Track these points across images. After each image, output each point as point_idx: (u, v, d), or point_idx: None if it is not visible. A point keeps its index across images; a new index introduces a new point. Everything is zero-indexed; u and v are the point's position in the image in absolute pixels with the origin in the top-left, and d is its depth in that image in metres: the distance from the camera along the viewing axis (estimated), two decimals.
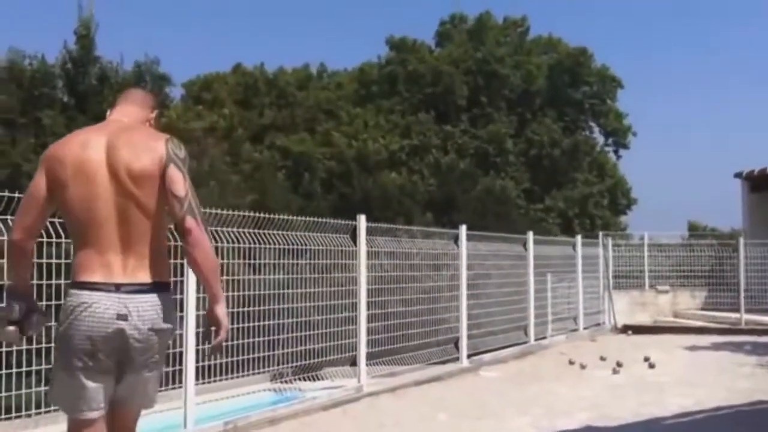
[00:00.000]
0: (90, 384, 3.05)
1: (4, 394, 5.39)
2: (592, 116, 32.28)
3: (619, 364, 10.33)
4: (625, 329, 15.78)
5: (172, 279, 3.29)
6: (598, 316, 15.98)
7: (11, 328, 3.11)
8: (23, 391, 5.49)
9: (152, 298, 3.03)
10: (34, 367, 5.55)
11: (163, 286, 3.09)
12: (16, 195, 5.23)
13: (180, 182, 3.02)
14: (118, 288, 2.98)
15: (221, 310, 3.12)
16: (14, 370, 5.44)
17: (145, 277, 3.03)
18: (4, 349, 5.40)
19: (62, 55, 15.03)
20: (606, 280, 16.32)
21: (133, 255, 3.02)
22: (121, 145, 3.04)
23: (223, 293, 3.15)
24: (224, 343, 3.18)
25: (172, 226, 3.15)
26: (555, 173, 29.43)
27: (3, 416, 5.46)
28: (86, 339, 2.99)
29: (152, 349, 3.06)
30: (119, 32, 38.54)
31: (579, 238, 15.37)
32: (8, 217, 5.20)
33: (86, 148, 3.06)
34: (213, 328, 3.11)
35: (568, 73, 30.88)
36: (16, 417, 5.55)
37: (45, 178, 3.08)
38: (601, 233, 17.75)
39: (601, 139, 32.66)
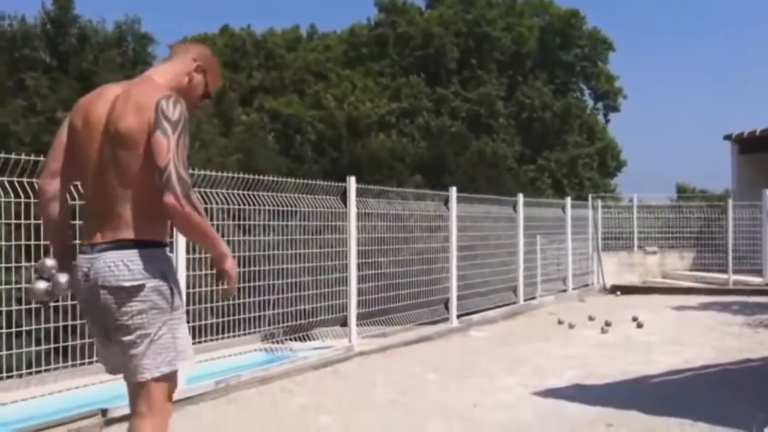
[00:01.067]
0: (98, 345, 3.07)
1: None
2: (583, 79, 32.20)
3: (607, 324, 10.42)
4: (614, 290, 15.90)
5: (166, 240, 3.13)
6: (587, 276, 16.09)
7: (41, 285, 2.99)
8: (13, 351, 5.50)
9: (115, 255, 2.85)
10: (24, 328, 5.55)
11: (139, 243, 2.88)
12: (2, 156, 5.21)
13: (162, 151, 2.78)
14: (92, 248, 2.89)
15: (225, 266, 2.95)
16: (4, 330, 5.43)
17: (118, 236, 2.86)
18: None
19: (41, 15, 14.81)
20: (595, 242, 16.40)
21: (110, 219, 2.88)
22: (119, 102, 2.89)
23: (224, 248, 2.96)
24: (226, 297, 3.05)
25: None
26: (546, 136, 29.42)
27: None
28: (79, 299, 3.02)
29: (115, 311, 2.85)
30: None
31: (569, 200, 15.41)
32: (4, 178, 5.20)
33: (97, 102, 2.96)
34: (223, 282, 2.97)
35: (560, 36, 30.75)
36: (8, 377, 5.56)
37: (67, 124, 3.03)
38: (590, 195, 17.81)
39: (590, 102, 32.63)
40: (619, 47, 32.61)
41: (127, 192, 2.86)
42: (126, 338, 2.88)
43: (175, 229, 4.92)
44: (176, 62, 3.11)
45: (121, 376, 2.99)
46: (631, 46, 52.71)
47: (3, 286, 5.51)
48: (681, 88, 55.03)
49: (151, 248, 2.91)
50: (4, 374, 5.53)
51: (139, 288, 2.85)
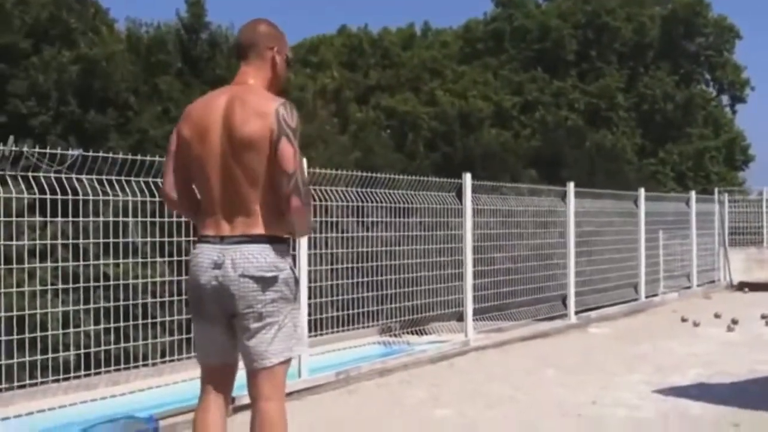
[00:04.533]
0: (203, 331, 3.23)
1: (132, 343, 5.75)
2: (708, 69, 30.95)
3: (734, 321, 10.05)
4: (742, 286, 15.27)
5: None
6: (712, 273, 15.53)
7: None
8: (149, 341, 5.85)
9: (253, 248, 3.05)
10: (158, 319, 5.90)
11: (271, 239, 3.10)
12: (140, 158, 5.56)
13: (290, 158, 3.01)
14: (222, 239, 3.08)
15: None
16: (140, 321, 5.80)
17: (251, 230, 3.07)
18: (130, 302, 5.77)
19: (175, 22, 15.53)
20: (721, 237, 15.80)
21: (240, 215, 3.07)
22: (235, 108, 3.07)
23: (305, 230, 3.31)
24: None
25: None
26: (668, 128, 28.49)
27: (131, 365, 5.83)
28: (193, 287, 3.17)
29: (252, 299, 3.05)
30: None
31: (693, 194, 14.93)
32: (139, 179, 5.56)
33: (208, 109, 3.15)
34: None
35: (683, 24, 29.63)
36: (144, 365, 5.92)
37: (176, 135, 3.23)
38: (716, 189, 17.17)
39: (715, 93, 31.34)
40: (747, 35, 31.17)
41: (254, 191, 3.07)
42: (255, 325, 3.09)
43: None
44: (257, 59, 3.25)
45: (218, 363, 3.21)
46: (760, 33, 50.18)
47: (140, 280, 5.88)
48: None
49: (280, 243, 3.15)
50: (140, 362, 5.91)
51: (275, 279, 3.08)
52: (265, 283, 3.06)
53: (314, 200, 6.74)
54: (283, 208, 3.07)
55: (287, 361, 3.20)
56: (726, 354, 8.10)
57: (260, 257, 3.06)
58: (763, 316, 10.45)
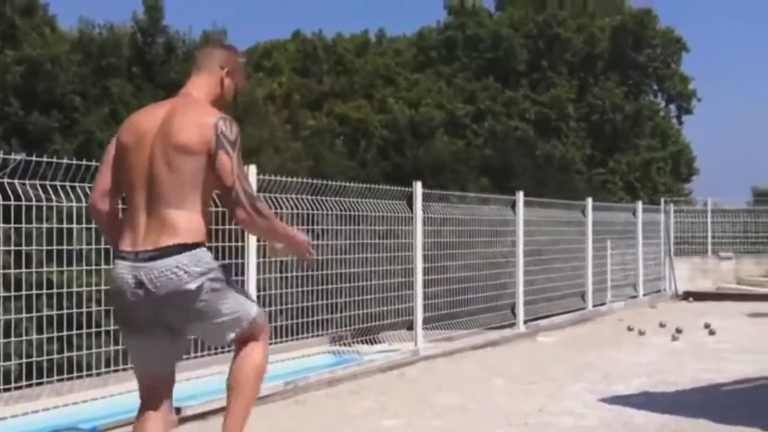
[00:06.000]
0: (135, 344, 3.26)
1: (76, 353, 5.64)
2: (656, 80, 31.54)
3: (678, 331, 10.25)
4: (686, 296, 15.60)
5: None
6: (658, 282, 15.83)
7: None
8: (93, 350, 5.75)
9: (168, 263, 3.04)
10: (103, 328, 5.79)
11: (184, 247, 3.08)
12: (86, 163, 5.46)
13: (228, 172, 3.03)
14: (136, 255, 3.08)
15: (297, 239, 3.32)
16: (85, 330, 5.69)
17: (166, 241, 3.05)
18: (74, 310, 5.66)
19: (130, 24, 15.25)
20: (667, 247, 16.12)
21: (157, 218, 3.07)
22: (175, 116, 3.11)
23: (291, 230, 3.34)
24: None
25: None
26: (617, 138, 28.95)
27: (75, 374, 5.71)
28: (119, 303, 3.19)
29: (184, 309, 3.10)
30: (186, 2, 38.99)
31: (640, 204, 15.22)
32: (85, 184, 5.44)
33: (147, 118, 3.18)
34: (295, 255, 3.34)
35: (632, 35, 30.16)
36: (87, 375, 5.81)
37: (115, 143, 3.23)
38: (663, 199, 17.51)
39: (662, 104, 31.95)
40: (694, 47, 31.84)
41: (178, 195, 3.08)
42: (198, 324, 3.19)
43: (246, 234, 5.12)
44: (206, 74, 3.32)
45: (154, 374, 3.25)
46: (706, 45, 51.37)
47: (84, 288, 5.77)
48: (759, 87, 53.40)
49: (194, 247, 3.13)
50: (85, 372, 5.79)
51: (200, 286, 3.09)
52: (192, 293, 3.08)
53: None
54: (238, 223, 3.15)
55: (252, 323, 3.27)
56: (670, 363, 8.25)
57: (178, 271, 3.05)
58: (706, 326, 10.68)
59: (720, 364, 8.12)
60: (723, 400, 6.48)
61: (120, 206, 3.32)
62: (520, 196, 10.67)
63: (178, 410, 5.33)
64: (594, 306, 12.59)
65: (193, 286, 3.07)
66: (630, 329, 10.79)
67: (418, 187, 8.53)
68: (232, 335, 3.24)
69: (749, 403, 6.31)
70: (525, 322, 10.48)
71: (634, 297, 14.39)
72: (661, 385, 7.02)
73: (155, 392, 3.25)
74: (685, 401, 6.35)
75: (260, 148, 13.50)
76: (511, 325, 10.28)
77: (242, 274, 6.24)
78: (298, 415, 5.94)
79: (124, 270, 3.10)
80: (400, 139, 23.03)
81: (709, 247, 17.56)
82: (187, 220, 3.09)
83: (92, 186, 5.04)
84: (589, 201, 12.82)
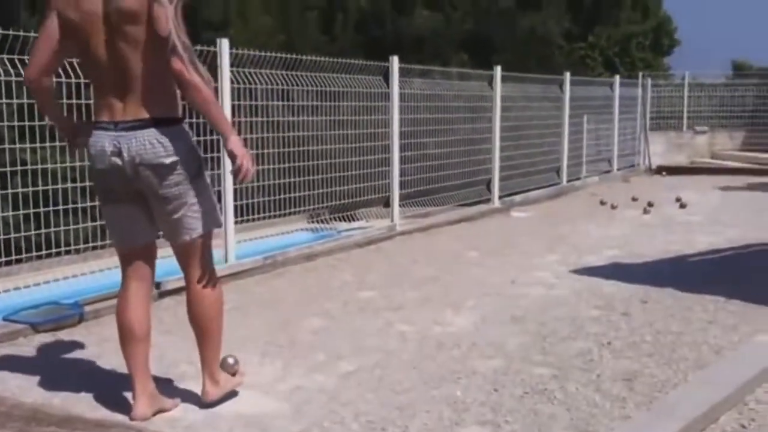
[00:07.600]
0: (113, 215, 3.31)
1: (53, 229, 5.66)
2: None
3: (650, 204, 10.44)
4: (660, 170, 15.78)
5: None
6: (633, 157, 15.96)
7: None
8: (71, 227, 5.78)
9: (147, 133, 3.10)
10: (80, 204, 5.80)
11: (164, 121, 3.13)
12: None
13: (163, 21, 2.99)
14: (116, 125, 3.11)
15: (229, 145, 3.15)
16: (61, 207, 5.70)
17: (143, 113, 3.09)
18: (50, 187, 5.65)
19: None
20: (643, 121, 16.17)
21: (131, 94, 3.09)
22: None
23: (228, 128, 3.19)
24: (253, 175, 3.25)
25: None
26: (597, 12, 28.47)
27: (53, 251, 5.75)
28: (96, 173, 3.23)
29: (156, 185, 3.14)
30: None
31: (617, 78, 15.13)
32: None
33: None
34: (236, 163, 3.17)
35: None
36: (66, 252, 5.86)
37: (57, 20, 3.13)
38: (641, 73, 17.42)
39: None
40: None
41: (142, 66, 3.06)
42: (163, 207, 3.20)
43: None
44: None
45: (132, 246, 3.32)
46: None
47: (58, 164, 5.74)
48: None
49: (175, 124, 3.19)
50: (63, 249, 5.83)
51: (175, 164, 3.14)
52: (166, 169, 3.13)
53: (232, 82, 6.61)
54: (173, 76, 3.06)
55: (206, 236, 3.31)
56: (641, 236, 8.44)
57: (156, 144, 3.10)
58: (677, 199, 10.87)
59: (689, 236, 8.31)
60: (690, 270, 6.68)
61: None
62: (498, 71, 10.58)
63: (158, 285, 5.43)
64: (568, 181, 12.72)
65: (167, 161, 3.12)
66: (603, 203, 10.97)
67: (394, 62, 8.42)
68: (187, 238, 3.26)
69: (715, 273, 6.52)
70: (500, 197, 10.60)
71: (608, 172, 14.53)
72: (631, 257, 7.21)
73: (136, 265, 3.34)
74: (653, 271, 6.54)
75: (230, 21, 13.13)
76: (487, 201, 10.41)
77: (218, 150, 6.18)
78: (276, 287, 6.07)
79: (102, 139, 3.14)
80: (380, 10, 22.47)
81: (685, 121, 17.63)
82: (159, 91, 3.11)
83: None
84: (567, 76, 12.74)
